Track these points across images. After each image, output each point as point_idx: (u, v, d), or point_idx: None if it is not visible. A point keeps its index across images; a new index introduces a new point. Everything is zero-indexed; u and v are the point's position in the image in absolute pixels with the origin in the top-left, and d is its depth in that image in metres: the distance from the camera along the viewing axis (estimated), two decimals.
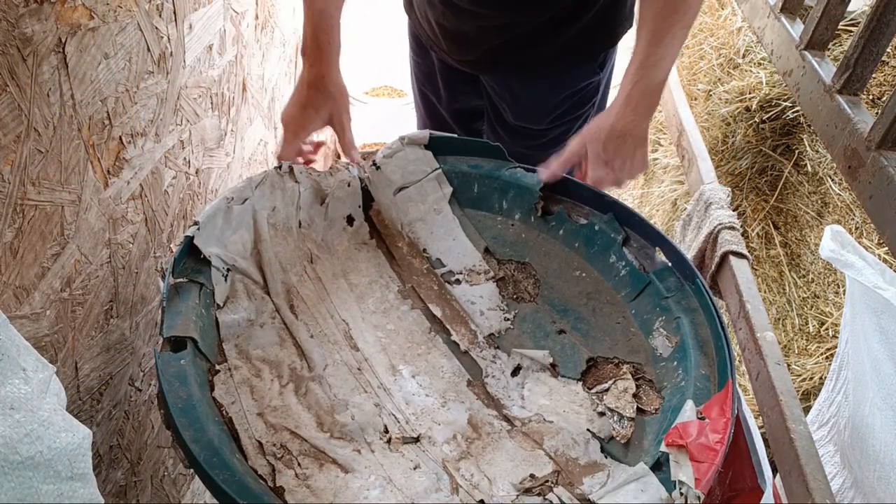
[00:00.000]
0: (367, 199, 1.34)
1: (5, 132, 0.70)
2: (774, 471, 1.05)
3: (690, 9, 1.06)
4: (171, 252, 1.19)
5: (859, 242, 1.26)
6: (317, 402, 1.04)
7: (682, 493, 0.87)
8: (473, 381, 1.15)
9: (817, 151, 1.51)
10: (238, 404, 1.00)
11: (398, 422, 1.05)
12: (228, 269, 1.12)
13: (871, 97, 1.38)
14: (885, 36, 1.08)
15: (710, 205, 1.41)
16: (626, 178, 1.18)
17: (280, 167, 1.23)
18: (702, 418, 0.95)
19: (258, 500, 0.82)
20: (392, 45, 3.62)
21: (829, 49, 1.31)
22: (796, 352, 1.51)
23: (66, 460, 0.62)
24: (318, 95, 1.13)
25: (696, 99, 1.95)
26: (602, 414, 1.05)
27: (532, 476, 0.99)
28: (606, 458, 1.02)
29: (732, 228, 1.33)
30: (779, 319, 1.61)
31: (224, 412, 0.97)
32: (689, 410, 0.96)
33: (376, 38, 3.36)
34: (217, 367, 1.03)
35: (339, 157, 2.56)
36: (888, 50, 1.30)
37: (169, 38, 1.03)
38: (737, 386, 1.02)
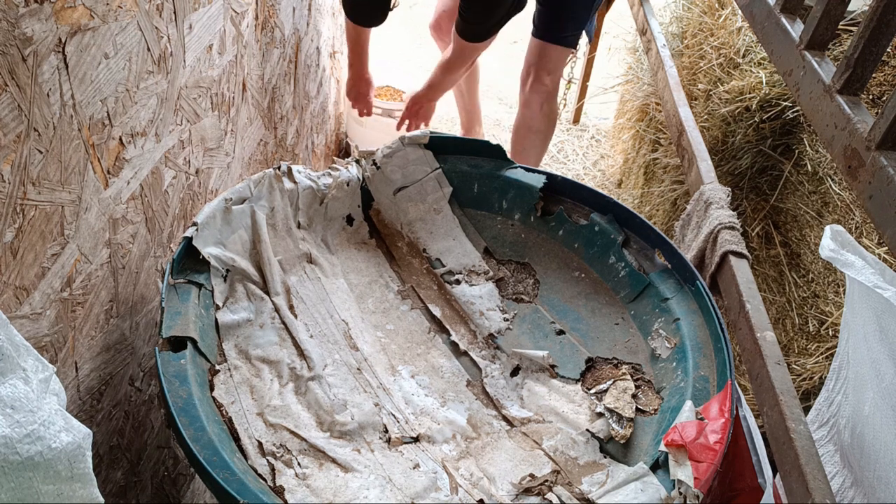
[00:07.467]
0: (367, 198, 1.34)
1: (5, 132, 0.70)
2: (774, 470, 1.05)
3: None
4: (171, 252, 1.19)
5: (859, 242, 1.26)
6: (316, 401, 1.04)
7: (680, 493, 0.87)
8: (473, 382, 1.16)
9: (817, 151, 1.51)
10: (238, 404, 1.00)
11: (398, 421, 1.06)
12: (227, 270, 1.12)
13: (871, 97, 1.38)
14: (885, 36, 1.08)
15: (710, 204, 1.40)
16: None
17: (279, 167, 1.23)
18: (701, 419, 0.95)
19: (258, 499, 0.82)
20: (393, 47, 3.63)
21: (829, 49, 1.31)
22: (796, 351, 1.51)
23: (66, 460, 0.62)
24: (360, 82, 2.28)
25: (696, 99, 1.94)
26: (601, 414, 1.05)
27: (531, 476, 0.99)
28: (605, 457, 1.02)
29: (732, 228, 1.33)
30: (779, 319, 1.61)
31: (224, 412, 0.98)
32: (688, 411, 0.96)
33: (377, 40, 3.36)
34: (217, 367, 1.03)
35: (339, 155, 2.55)
36: (888, 50, 1.30)
37: (169, 38, 1.03)
38: (736, 387, 1.02)
